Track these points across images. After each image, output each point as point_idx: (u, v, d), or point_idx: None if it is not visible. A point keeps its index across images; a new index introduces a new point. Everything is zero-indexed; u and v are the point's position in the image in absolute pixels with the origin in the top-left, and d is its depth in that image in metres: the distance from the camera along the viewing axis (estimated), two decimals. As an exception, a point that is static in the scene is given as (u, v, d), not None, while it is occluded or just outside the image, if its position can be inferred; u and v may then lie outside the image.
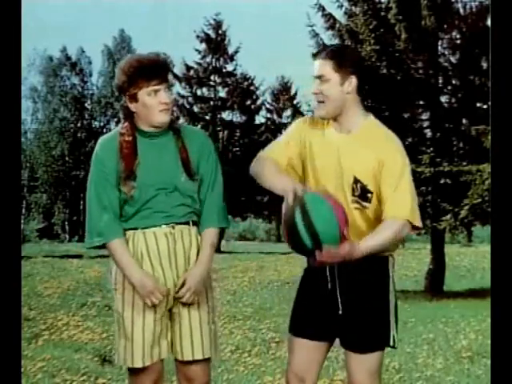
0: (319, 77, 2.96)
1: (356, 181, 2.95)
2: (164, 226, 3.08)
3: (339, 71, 2.96)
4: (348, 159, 2.96)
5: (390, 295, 3.03)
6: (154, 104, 3.04)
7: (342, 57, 2.99)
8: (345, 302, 3.00)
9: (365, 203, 2.96)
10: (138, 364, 3.05)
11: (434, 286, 13.50)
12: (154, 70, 3.03)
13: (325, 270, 3.00)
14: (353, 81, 2.99)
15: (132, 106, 3.07)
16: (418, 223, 2.97)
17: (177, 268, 3.09)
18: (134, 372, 3.10)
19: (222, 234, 33.49)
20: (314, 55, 3.00)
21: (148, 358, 3.06)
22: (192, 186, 3.11)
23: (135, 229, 3.09)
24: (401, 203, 2.93)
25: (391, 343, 2.99)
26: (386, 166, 2.94)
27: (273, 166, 3.02)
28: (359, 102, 3.04)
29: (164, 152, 3.10)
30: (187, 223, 3.13)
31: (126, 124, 3.12)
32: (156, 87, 3.03)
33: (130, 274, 3.04)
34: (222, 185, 3.19)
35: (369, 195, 2.96)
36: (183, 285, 3.06)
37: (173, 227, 3.09)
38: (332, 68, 2.96)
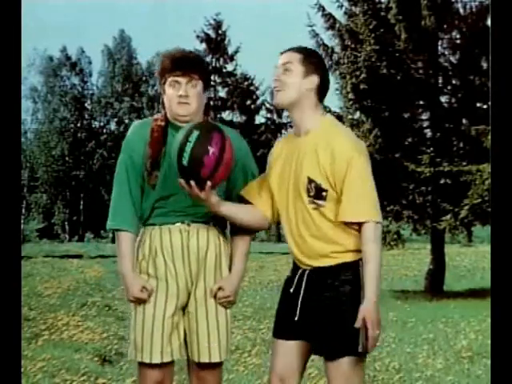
0: (283, 64, 2.99)
1: (310, 181, 2.92)
2: (179, 224, 3.09)
3: (304, 64, 2.98)
4: (303, 160, 2.96)
5: (361, 301, 2.92)
6: (173, 96, 3.07)
7: (309, 53, 3.03)
8: (305, 307, 2.96)
9: (320, 201, 2.91)
10: (146, 359, 3.05)
11: (434, 286, 13.51)
12: (178, 62, 3.08)
13: (295, 274, 3.01)
14: (314, 79, 2.99)
15: (163, 97, 3.15)
16: (377, 218, 2.89)
17: (190, 265, 3.08)
18: (141, 368, 3.10)
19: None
20: (282, 51, 3.00)
21: (157, 356, 3.05)
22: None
23: (153, 224, 3.11)
24: (354, 204, 2.87)
25: (359, 350, 2.84)
26: (334, 164, 2.89)
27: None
28: (318, 104, 3.03)
29: None
30: (206, 222, 3.12)
31: (162, 112, 3.18)
32: (176, 78, 3.06)
33: (123, 272, 3.08)
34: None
35: (323, 193, 2.91)
36: (219, 289, 3.09)
37: (188, 225, 3.09)
38: (298, 59, 2.99)
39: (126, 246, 3.08)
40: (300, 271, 3.00)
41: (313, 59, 3.02)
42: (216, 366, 3.13)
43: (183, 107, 3.07)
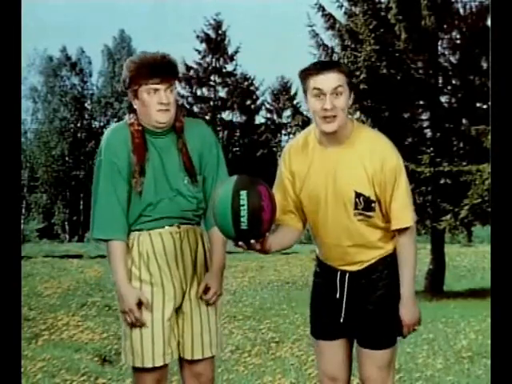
0: (335, 88, 2.86)
1: (358, 195, 2.91)
2: (168, 227, 3.07)
3: (348, 85, 2.93)
4: (345, 174, 2.91)
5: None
6: (152, 103, 3.00)
7: (347, 71, 2.96)
8: (350, 308, 3.02)
9: (369, 213, 2.94)
10: (148, 364, 3.03)
11: (434, 285, 13.50)
12: (155, 68, 2.99)
13: (335, 276, 3.02)
14: (352, 96, 2.98)
15: (134, 103, 3.06)
16: (413, 221, 2.98)
17: (184, 267, 3.09)
18: (138, 371, 3.09)
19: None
20: (321, 68, 2.88)
21: (159, 359, 3.04)
22: (195, 188, 3.10)
23: (140, 230, 3.08)
24: (405, 207, 2.94)
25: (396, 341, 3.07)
26: (384, 172, 2.90)
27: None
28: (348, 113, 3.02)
29: (166, 154, 3.07)
30: (192, 223, 3.14)
31: (133, 116, 3.09)
32: (155, 86, 2.99)
33: (118, 283, 3.03)
34: (227, 177, 3.13)
35: (373, 205, 2.93)
36: (207, 288, 3.10)
37: (178, 227, 3.09)
38: (345, 81, 2.91)
39: (120, 256, 3.03)
40: (339, 275, 3.02)
41: (350, 77, 2.98)
42: (209, 361, 3.16)
43: (163, 114, 3.02)
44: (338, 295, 3.03)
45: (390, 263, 3.01)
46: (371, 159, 2.89)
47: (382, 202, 2.93)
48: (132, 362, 3.07)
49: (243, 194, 2.69)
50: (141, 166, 3.02)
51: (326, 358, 3.10)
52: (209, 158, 3.13)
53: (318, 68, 2.90)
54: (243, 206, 2.69)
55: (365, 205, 2.92)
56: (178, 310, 3.11)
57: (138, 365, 3.05)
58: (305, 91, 2.93)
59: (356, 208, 2.92)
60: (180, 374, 3.23)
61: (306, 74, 2.91)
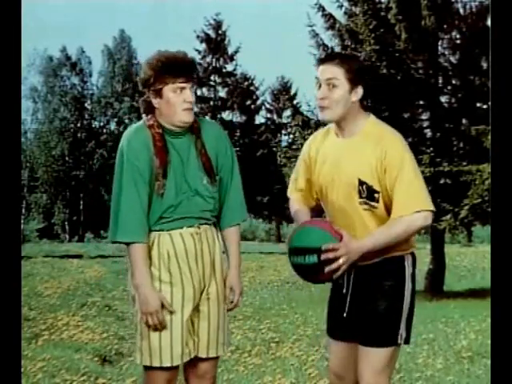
0: (328, 80, 2.94)
1: (361, 183, 2.96)
2: (188, 228, 3.08)
3: (350, 79, 2.96)
4: (351, 163, 2.98)
5: (405, 293, 3.04)
6: (179, 102, 3.01)
7: (353, 65, 2.98)
8: (353, 303, 3.05)
9: (373, 203, 2.96)
10: (167, 363, 3.02)
11: (434, 286, 13.51)
12: (182, 67, 3.02)
13: (343, 275, 3.02)
14: (359, 90, 3.00)
15: (155, 102, 3.05)
16: (430, 207, 2.95)
17: (203, 267, 3.10)
18: (152, 370, 3.06)
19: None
20: (322, 60, 3.02)
21: (178, 359, 3.04)
22: (214, 188, 3.13)
23: (160, 230, 3.07)
24: (407, 198, 2.93)
25: (398, 341, 3.06)
26: (386, 162, 2.95)
27: (294, 208, 3.19)
28: (361, 107, 3.05)
29: (185, 155, 3.08)
30: (210, 223, 3.16)
31: (152, 117, 3.08)
32: (182, 85, 3.01)
33: (142, 286, 3.02)
34: (240, 177, 3.21)
35: (376, 195, 2.96)
36: (231, 290, 3.16)
37: (198, 227, 3.10)
38: (343, 75, 2.95)
39: (143, 259, 3.02)
40: (346, 273, 3.03)
41: (356, 70, 2.98)
42: (215, 360, 3.19)
43: (189, 113, 3.04)
44: (344, 290, 3.07)
45: (398, 263, 3.03)
46: (375, 149, 2.95)
47: (385, 193, 2.95)
48: (149, 362, 3.04)
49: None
50: (164, 169, 3.03)
51: (333, 356, 3.16)
52: (224, 159, 3.16)
53: (321, 59, 3.04)
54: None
55: (368, 194, 2.95)
56: (195, 309, 3.12)
57: (156, 364, 3.02)
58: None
59: (360, 196, 2.96)
60: (184, 372, 3.23)
61: (317, 64, 3.07)
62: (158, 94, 3.03)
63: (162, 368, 3.04)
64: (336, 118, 2.99)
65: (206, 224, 3.13)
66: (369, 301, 3.02)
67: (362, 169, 2.95)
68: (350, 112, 3.00)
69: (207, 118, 3.35)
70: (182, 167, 3.07)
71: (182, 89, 3.01)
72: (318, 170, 3.09)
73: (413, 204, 2.92)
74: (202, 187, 3.09)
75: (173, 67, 3.01)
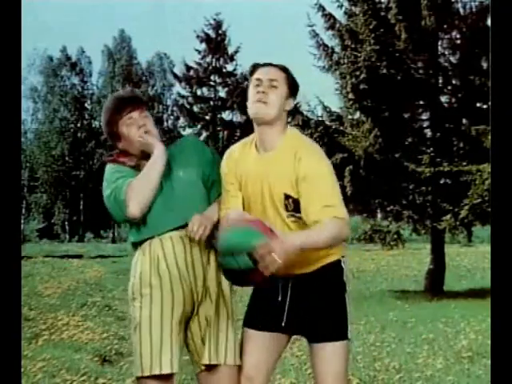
0: (270, 80, 3.03)
1: (287, 197, 2.99)
2: (178, 232, 3.07)
3: (288, 86, 3.07)
4: (274, 178, 3.00)
5: (345, 294, 3.10)
6: (134, 132, 3.11)
7: (291, 75, 3.10)
8: (292, 313, 3.05)
9: (299, 214, 2.99)
10: (156, 371, 2.98)
11: (434, 286, 13.50)
12: (121, 101, 3.13)
13: (276, 282, 3.03)
14: (291, 103, 3.09)
15: (119, 146, 3.16)
16: (342, 215, 2.93)
17: (194, 273, 3.07)
18: (150, 381, 3.02)
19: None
20: (264, 64, 3.11)
21: (167, 366, 2.99)
22: (201, 193, 3.15)
23: (151, 237, 3.08)
24: (318, 204, 2.92)
25: (349, 336, 3.07)
26: (301, 175, 2.96)
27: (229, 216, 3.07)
28: (286, 122, 3.10)
29: (167, 168, 3.12)
30: None
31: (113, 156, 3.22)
32: (129, 115, 3.11)
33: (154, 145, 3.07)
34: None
35: (299, 206, 2.99)
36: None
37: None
38: (284, 79, 3.06)
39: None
40: (281, 281, 3.04)
41: (294, 82, 3.11)
42: (233, 368, 3.13)
43: (149, 137, 3.13)
44: (280, 298, 3.07)
45: (336, 268, 3.07)
46: (292, 161, 2.98)
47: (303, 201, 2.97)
48: (141, 372, 3.00)
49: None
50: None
51: (251, 352, 3.09)
52: (211, 173, 3.19)
53: (263, 64, 3.12)
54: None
55: (294, 206, 2.98)
56: (191, 315, 3.10)
57: (146, 373, 2.99)
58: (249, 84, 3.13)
59: (287, 210, 2.99)
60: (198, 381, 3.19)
61: (253, 67, 3.13)
62: (117, 137, 3.14)
63: (154, 376, 2.99)
64: (268, 117, 3.02)
65: None
66: (311, 305, 3.02)
67: (285, 183, 2.98)
68: (279, 122, 3.04)
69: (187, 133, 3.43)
70: (169, 175, 3.12)
71: (130, 118, 3.11)
72: (245, 189, 3.09)
73: (329, 210, 2.91)
74: (182, 181, 3.12)
75: (114, 106, 3.13)
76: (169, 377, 3.03)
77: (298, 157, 2.98)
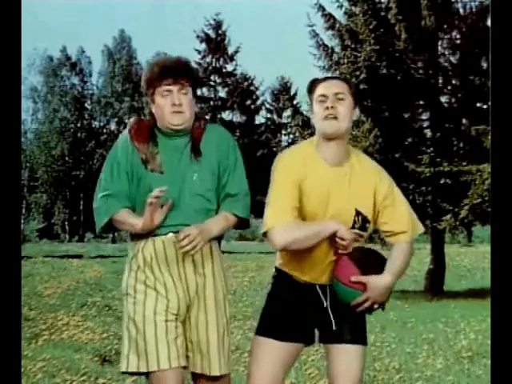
0: (336, 94, 2.98)
1: (357, 213, 3.00)
2: (172, 235, 3.02)
3: (353, 96, 3.04)
4: (346, 193, 2.99)
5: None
6: (166, 105, 3.01)
7: (353, 86, 3.09)
8: (335, 314, 3.06)
9: (363, 232, 3.03)
10: (165, 365, 2.94)
11: (434, 286, 13.51)
12: (167, 70, 3.01)
13: (314, 286, 3.05)
14: (357, 112, 3.08)
15: (152, 108, 3.09)
16: (421, 230, 3.15)
17: (186, 276, 3.04)
18: (151, 377, 2.99)
19: (221, 235, 33.41)
20: (324, 78, 3.09)
21: (164, 362, 2.95)
22: (207, 187, 3.07)
23: (145, 237, 3.04)
24: (401, 220, 3.07)
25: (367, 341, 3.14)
26: (380, 192, 3.03)
27: (299, 225, 2.97)
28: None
29: (178, 157, 3.07)
30: None
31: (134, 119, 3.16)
32: (167, 87, 3.00)
33: (136, 224, 3.00)
34: (245, 179, 3.17)
35: (367, 225, 3.03)
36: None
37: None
38: (349, 90, 3.03)
39: (129, 216, 3.07)
40: (319, 287, 3.05)
41: (356, 92, 3.09)
42: (225, 378, 3.11)
43: (178, 116, 3.02)
44: (324, 305, 3.05)
45: None
46: (376, 180, 3.03)
47: (377, 221, 3.06)
48: (136, 368, 2.97)
49: None
50: (145, 152, 3.05)
51: (269, 360, 3.04)
52: (226, 163, 3.13)
53: (323, 78, 3.11)
54: None
55: (362, 224, 3.02)
56: (188, 320, 3.06)
57: (143, 369, 2.96)
58: (311, 101, 3.07)
59: (353, 227, 3.00)
60: None
61: (313, 84, 3.07)
62: (152, 99, 3.06)
63: (152, 372, 2.96)
64: (340, 132, 2.98)
65: None
66: (343, 309, 3.02)
67: (358, 200, 2.99)
68: (347, 135, 3.04)
69: (216, 123, 3.35)
70: (175, 167, 3.05)
71: (169, 91, 3.01)
72: (308, 198, 3.00)
73: (408, 226, 3.09)
74: (194, 185, 3.05)
75: (159, 71, 3.01)
76: (177, 374, 2.97)
77: (379, 175, 3.04)
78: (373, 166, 3.09)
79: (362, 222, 3.00)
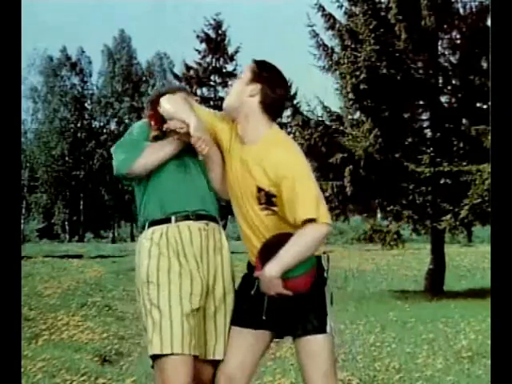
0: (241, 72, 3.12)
1: (259, 190, 3.00)
2: (197, 223, 3.11)
3: (251, 73, 3.07)
4: (251, 171, 3.02)
5: (325, 289, 3.09)
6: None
7: (262, 64, 3.10)
8: (271, 306, 3.03)
9: (273, 207, 3.01)
10: (178, 350, 2.97)
11: (434, 286, 13.51)
12: None
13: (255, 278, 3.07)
14: (256, 87, 3.05)
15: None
16: (325, 220, 2.95)
17: (208, 265, 3.12)
18: (171, 361, 3.01)
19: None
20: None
21: (186, 347, 2.99)
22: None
23: (168, 222, 3.10)
24: (300, 206, 2.92)
25: (328, 330, 3.06)
26: (281, 174, 2.96)
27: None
28: (264, 113, 3.06)
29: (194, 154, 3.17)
30: (217, 222, 3.20)
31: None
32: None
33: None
34: None
35: (273, 199, 3.00)
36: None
37: (206, 224, 3.13)
38: (249, 68, 3.10)
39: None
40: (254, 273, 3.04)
41: (263, 69, 3.08)
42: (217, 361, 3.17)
43: None
44: (253, 292, 3.03)
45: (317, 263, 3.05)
46: (270, 160, 2.98)
47: (281, 201, 2.98)
48: (159, 350, 2.99)
49: None
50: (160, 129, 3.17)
51: (236, 350, 3.09)
52: None
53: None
54: None
55: (267, 199, 2.99)
56: (201, 309, 3.11)
57: (167, 351, 2.98)
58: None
59: (260, 203, 3.01)
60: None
61: None
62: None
63: (174, 356, 2.98)
64: (229, 106, 3.07)
65: (213, 222, 3.17)
66: (289, 299, 2.98)
67: (260, 177, 2.99)
68: (249, 112, 3.04)
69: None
70: (193, 161, 3.18)
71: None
72: (229, 173, 3.12)
73: (305, 212, 2.91)
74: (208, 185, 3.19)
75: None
76: (189, 362, 3.01)
77: (277, 153, 2.98)
78: (283, 146, 3.03)
79: (266, 197, 2.99)
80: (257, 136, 3.04)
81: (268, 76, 3.07)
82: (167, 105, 3.11)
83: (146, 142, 3.17)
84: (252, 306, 3.08)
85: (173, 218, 3.11)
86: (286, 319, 3.06)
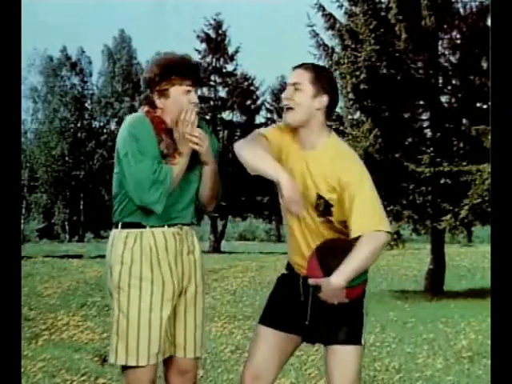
0: (294, 84, 3.02)
1: (319, 197, 3.01)
2: (172, 228, 3.11)
3: (314, 84, 3.02)
4: (312, 177, 3.02)
5: (364, 300, 3.10)
6: (185, 103, 3.08)
7: (319, 73, 3.06)
8: (315, 311, 3.05)
9: (329, 217, 3.02)
10: (143, 362, 3.01)
11: (434, 286, 13.50)
12: (190, 70, 3.12)
13: (296, 280, 3.10)
14: (324, 99, 3.04)
15: (159, 102, 3.10)
16: (386, 229, 2.97)
17: (182, 268, 3.13)
18: (134, 369, 3.05)
19: (222, 234, 33.50)
20: (294, 67, 3.10)
21: (154, 357, 3.04)
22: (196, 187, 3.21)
23: (142, 227, 3.08)
24: (363, 216, 2.94)
25: (362, 342, 3.07)
26: (344, 182, 2.96)
27: (263, 146, 2.99)
28: (325, 122, 3.09)
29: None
30: (190, 225, 3.20)
31: (147, 107, 3.14)
32: (189, 88, 3.09)
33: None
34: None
35: (332, 209, 3.01)
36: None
37: (180, 228, 3.14)
38: (308, 79, 3.03)
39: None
40: (301, 278, 3.08)
41: (322, 78, 3.05)
42: (198, 359, 3.23)
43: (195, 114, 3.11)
44: (302, 298, 3.08)
45: None
46: (332, 167, 2.98)
47: (341, 210, 2.98)
48: (125, 361, 3.03)
49: None
50: (174, 146, 3.08)
51: (261, 349, 3.12)
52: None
53: (294, 66, 3.11)
54: None
55: (325, 208, 3.00)
56: (172, 310, 3.13)
57: (132, 363, 3.02)
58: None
59: (318, 210, 3.01)
60: (164, 371, 3.24)
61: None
62: (164, 94, 3.08)
63: (139, 367, 3.03)
64: (297, 122, 3.03)
65: (187, 225, 3.17)
66: (331, 307, 2.99)
67: (321, 184, 2.99)
68: (313, 122, 3.04)
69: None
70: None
71: (188, 91, 3.09)
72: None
73: (369, 223, 2.94)
74: (192, 185, 3.16)
75: (181, 69, 3.08)
76: (154, 367, 3.07)
77: (342, 163, 2.99)
78: (346, 154, 3.06)
79: (325, 205, 2.99)
80: (317, 142, 3.05)
81: (331, 85, 3.07)
82: (247, 157, 2.94)
83: (158, 150, 3.04)
84: (289, 310, 3.11)
85: (148, 225, 3.09)
86: (325, 326, 3.06)
